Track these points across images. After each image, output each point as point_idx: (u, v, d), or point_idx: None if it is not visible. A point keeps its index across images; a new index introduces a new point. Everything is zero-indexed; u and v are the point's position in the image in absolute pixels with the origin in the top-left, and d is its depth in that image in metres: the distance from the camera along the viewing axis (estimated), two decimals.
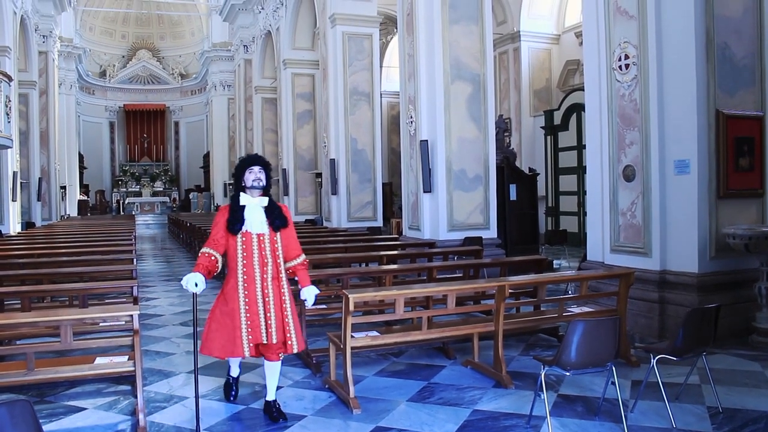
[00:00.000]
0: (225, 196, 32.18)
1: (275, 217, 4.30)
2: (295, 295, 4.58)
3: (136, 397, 4.42)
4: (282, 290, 4.30)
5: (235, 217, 4.25)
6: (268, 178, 4.38)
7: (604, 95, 7.23)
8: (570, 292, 8.03)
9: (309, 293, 4.41)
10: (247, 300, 4.21)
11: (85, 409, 4.60)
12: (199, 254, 4.27)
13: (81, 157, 33.73)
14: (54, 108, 23.14)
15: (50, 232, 15.04)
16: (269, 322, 4.21)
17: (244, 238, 4.24)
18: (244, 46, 26.68)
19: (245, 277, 4.23)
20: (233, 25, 27.69)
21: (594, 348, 3.84)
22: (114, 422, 4.33)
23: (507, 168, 11.92)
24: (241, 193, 4.33)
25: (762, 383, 5.00)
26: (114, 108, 37.86)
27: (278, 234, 4.32)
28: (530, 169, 14.16)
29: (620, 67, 6.96)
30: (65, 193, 26.98)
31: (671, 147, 6.53)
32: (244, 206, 4.29)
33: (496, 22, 18.93)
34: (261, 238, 4.25)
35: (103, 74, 37.29)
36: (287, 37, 20.45)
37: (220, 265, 4.27)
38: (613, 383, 4.08)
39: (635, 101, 6.82)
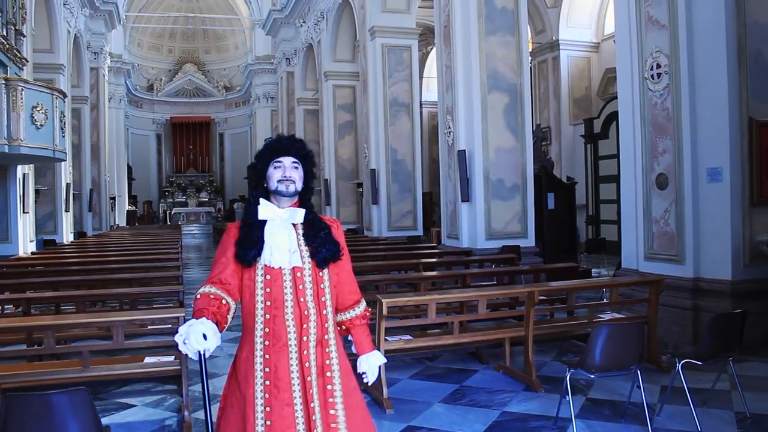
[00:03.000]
0: None
1: (321, 242, 2.54)
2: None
3: (181, 395, 4.69)
4: (331, 364, 2.51)
5: (249, 238, 2.50)
6: (308, 177, 2.61)
7: (636, 104, 7.29)
8: (605, 300, 8.08)
9: (372, 363, 2.65)
10: (268, 384, 2.42)
11: (134, 406, 4.90)
12: (196, 295, 2.45)
13: (129, 169, 34.72)
14: (104, 122, 23.97)
15: (101, 242, 15.63)
16: (313, 425, 2.43)
17: (267, 276, 2.47)
18: (287, 58, 27.21)
19: (267, 342, 2.44)
20: (276, 39, 28.27)
21: (618, 352, 3.96)
22: (161, 418, 4.61)
23: (544, 177, 11.99)
24: (262, 201, 2.57)
25: None
26: (161, 121, 38.90)
27: (325, 270, 2.55)
28: (568, 178, 14.17)
29: (652, 76, 7.02)
30: (115, 204, 27.84)
31: (703, 155, 6.57)
32: (263, 222, 2.53)
33: (535, 31, 19.03)
34: (297, 276, 2.49)
35: (150, 88, 38.38)
36: (328, 50, 20.84)
37: (232, 315, 2.48)
38: (639, 387, 4.18)
39: (667, 110, 6.87)
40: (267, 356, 2.43)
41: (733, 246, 6.35)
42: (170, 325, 5.30)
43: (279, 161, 2.55)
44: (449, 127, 11.57)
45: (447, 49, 11.68)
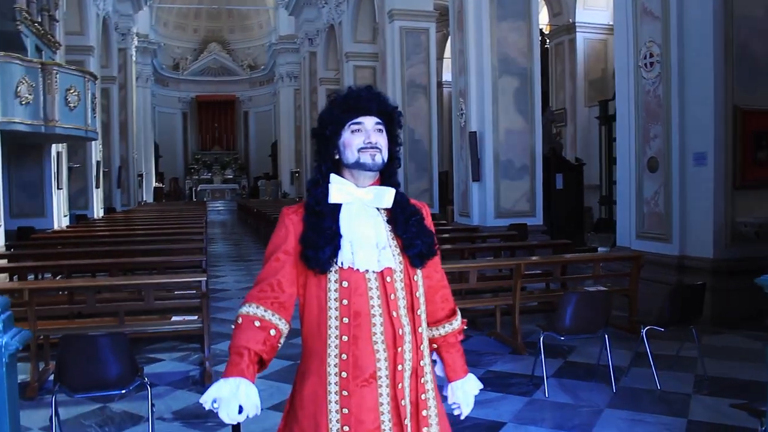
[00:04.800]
0: (292, 183, 33.48)
1: (415, 232, 1.93)
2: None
3: (204, 352, 5.32)
4: (427, 399, 1.94)
5: (320, 232, 1.86)
6: (393, 143, 1.96)
7: (631, 91, 7.72)
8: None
9: (468, 392, 2.08)
10: (348, 430, 1.82)
11: (162, 360, 5.56)
12: (237, 318, 1.85)
13: (156, 147, 35.57)
14: (132, 101, 24.71)
15: (130, 217, 16.42)
16: None
17: (344, 283, 1.84)
18: (309, 39, 27.69)
19: (345, 374, 1.82)
20: (299, 19, 28.75)
21: (585, 317, 4.49)
22: (186, 370, 5.26)
23: (553, 158, 12.41)
24: (333, 176, 1.92)
25: (756, 359, 5.48)
26: (187, 99, 39.63)
27: (419, 272, 1.96)
28: (577, 159, 14.56)
29: (645, 64, 7.44)
30: (142, 181, 28.71)
31: (691, 140, 7.00)
32: (338, 206, 1.90)
33: (552, 14, 19.28)
34: (387, 281, 1.87)
35: (176, 67, 39.08)
36: (349, 31, 21.29)
37: (284, 338, 1.90)
38: (606, 350, 4.71)
39: (659, 97, 7.30)
40: (345, 393, 1.79)
41: (716, 226, 6.79)
42: (194, 292, 5.93)
43: (358, 122, 1.87)
44: (461, 109, 12.03)
45: (460, 34, 12.10)
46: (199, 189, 36.41)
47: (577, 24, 18.51)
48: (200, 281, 5.04)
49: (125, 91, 23.82)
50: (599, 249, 12.41)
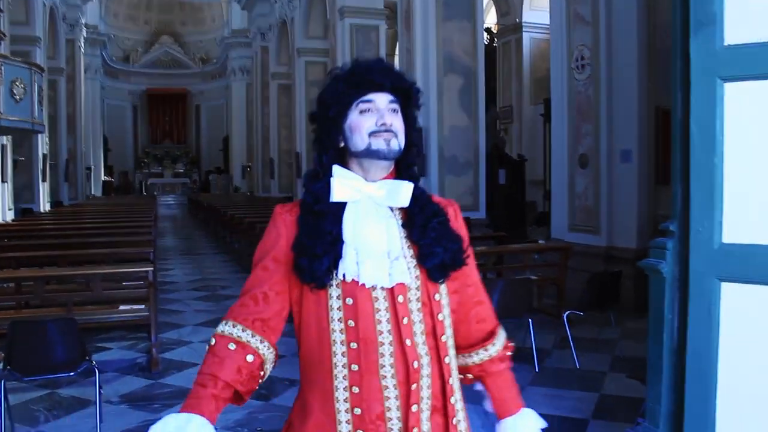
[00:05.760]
0: (243, 178, 33.41)
1: (435, 237, 1.51)
2: None
3: (151, 340, 5.51)
4: None
5: (317, 236, 1.48)
6: (410, 128, 1.57)
7: (565, 91, 8.15)
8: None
9: (521, 431, 1.63)
10: None
11: (111, 349, 5.73)
12: (211, 340, 1.49)
13: (105, 140, 35.03)
14: (80, 93, 24.35)
15: (77, 210, 16.31)
16: None
17: (348, 300, 1.47)
18: (261, 33, 27.67)
19: (359, 411, 1.46)
20: (251, 13, 28.67)
21: (510, 302, 4.84)
22: (133, 357, 5.46)
23: (496, 154, 12.86)
24: (337, 168, 1.54)
25: None
26: (137, 92, 39.08)
27: (443, 287, 1.55)
28: (519, 155, 15.06)
29: (577, 67, 7.87)
30: (91, 175, 28.29)
31: (617, 138, 7.46)
32: (342, 205, 1.52)
33: (500, 13, 19.79)
34: (399, 301, 1.48)
35: (126, 59, 38.51)
36: (301, 27, 21.43)
37: (268, 370, 1.53)
38: (530, 334, 5.09)
39: (590, 97, 7.74)
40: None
41: (639, 219, 7.27)
42: (143, 283, 6.11)
43: (368, 101, 1.51)
44: None
45: (407, 33, 12.41)
46: (149, 183, 36.00)
47: (523, 24, 19.03)
48: (147, 271, 5.24)
49: (73, 84, 23.47)
50: (540, 241, 12.90)
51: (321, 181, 1.52)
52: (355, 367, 1.44)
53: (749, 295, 2.68)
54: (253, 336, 1.45)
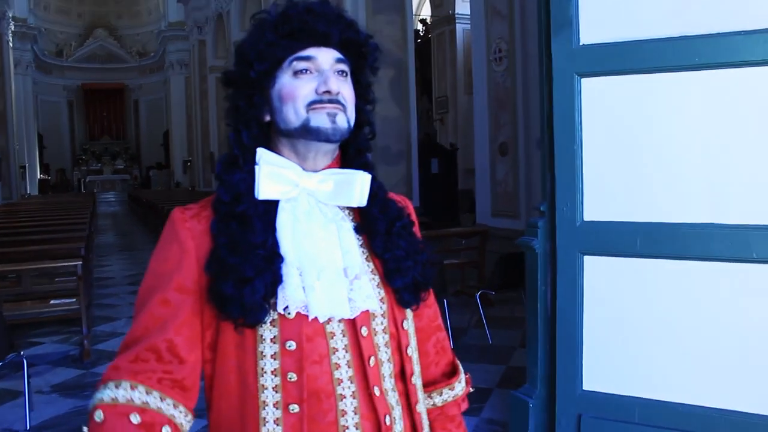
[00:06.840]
0: (185, 173, 33.10)
1: (405, 250, 1.13)
2: None
3: (83, 333, 5.66)
4: None
5: (247, 249, 1.01)
6: (364, 98, 1.17)
7: (485, 82, 8.55)
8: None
9: None
10: None
11: (43, 343, 5.86)
12: (94, 413, 0.98)
13: (40, 137, 34.21)
14: (10, 89, 23.74)
15: (11, 210, 16.02)
16: None
17: (289, 344, 1.02)
18: (198, 27, 27.46)
19: None
20: (188, 6, 28.39)
21: None
22: (66, 350, 5.61)
23: (428, 143, 13.24)
24: (262, 152, 1.08)
25: None
26: (72, 87, 38.19)
27: (408, 313, 1.16)
28: (451, 145, 15.50)
29: (496, 59, 8.27)
30: (25, 173, 27.65)
31: (533, 126, 7.88)
32: (274, 204, 1.07)
33: (434, 5, 20.18)
34: (362, 335, 1.07)
35: (59, 53, 37.56)
36: (237, 20, 21.41)
37: None
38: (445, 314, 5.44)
39: (508, 88, 8.15)
40: None
41: None
42: (73, 277, 6.23)
43: (307, 57, 1.09)
44: None
45: None
46: (88, 180, 35.31)
47: (456, 15, 19.46)
48: (76, 264, 5.38)
49: (3, 79, 22.85)
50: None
51: (241, 171, 1.08)
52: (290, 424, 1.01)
53: (607, 267, 3.07)
54: (163, 401, 1.01)
